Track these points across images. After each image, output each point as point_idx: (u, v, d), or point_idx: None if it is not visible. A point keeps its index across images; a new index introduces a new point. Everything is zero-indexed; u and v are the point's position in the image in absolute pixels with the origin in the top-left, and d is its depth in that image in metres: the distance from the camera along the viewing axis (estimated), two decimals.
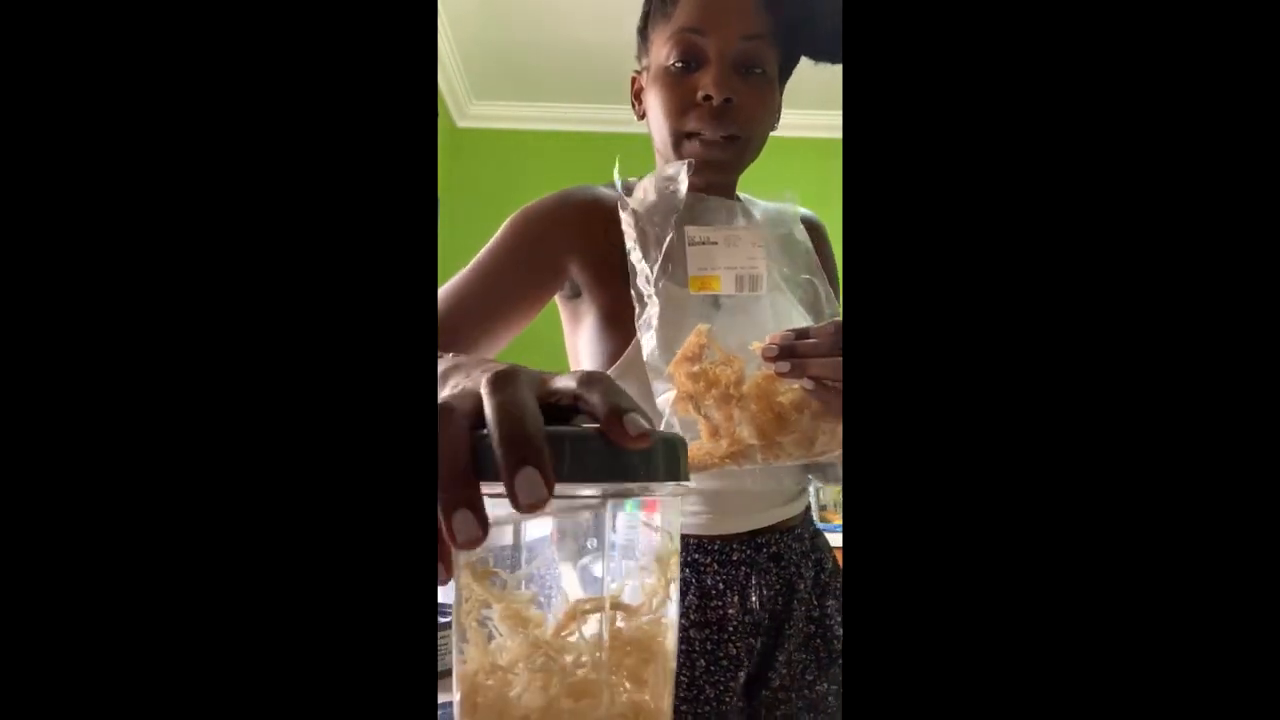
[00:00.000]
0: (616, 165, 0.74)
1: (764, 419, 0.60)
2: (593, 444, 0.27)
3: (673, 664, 0.31)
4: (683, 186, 0.82)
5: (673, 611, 0.31)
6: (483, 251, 0.78)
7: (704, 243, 0.74)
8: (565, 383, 0.30)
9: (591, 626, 0.29)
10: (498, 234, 0.78)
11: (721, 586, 0.77)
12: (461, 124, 3.03)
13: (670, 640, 0.31)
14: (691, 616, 0.77)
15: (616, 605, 0.29)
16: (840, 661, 0.77)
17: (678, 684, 0.75)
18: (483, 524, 0.25)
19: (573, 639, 0.29)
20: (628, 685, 0.29)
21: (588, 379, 0.29)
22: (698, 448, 0.63)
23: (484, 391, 0.28)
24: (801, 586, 0.78)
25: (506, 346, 0.78)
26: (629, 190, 0.77)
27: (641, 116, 0.81)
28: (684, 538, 0.80)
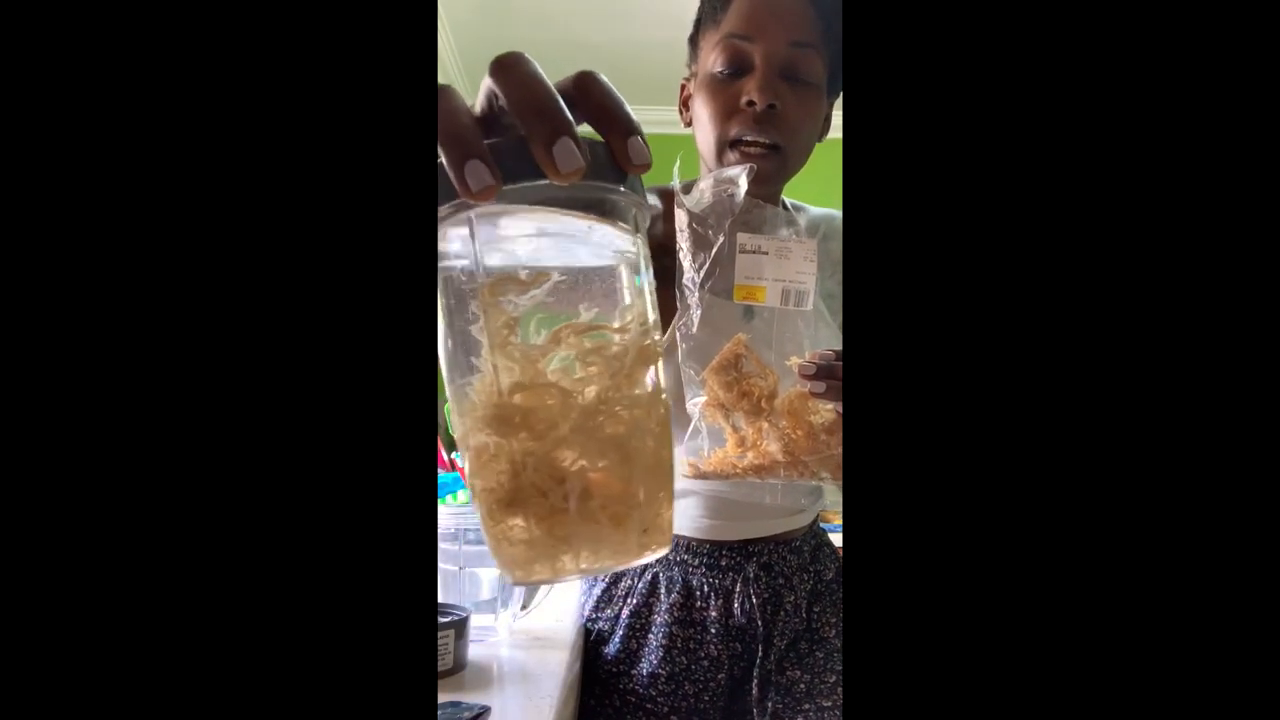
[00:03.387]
0: (677, 165, 0.73)
1: (793, 437, 0.58)
2: (595, 151, 0.27)
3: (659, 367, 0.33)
4: (741, 190, 0.80)
5: (655, 316, 0.32)
6: None
7: (754, 251, 0.71)
8: (564, 82, 0.29)
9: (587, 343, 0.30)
10: None
11: (706, 589, 0.77)
12: None
13: (661, 344, 0.33)
14: (675, 614, 0.77)
15: (595, 326, 0.30)
16: (836, 669, 0.77)
17: (657, 677, 0.77)
18: (494, 173, 0.25)
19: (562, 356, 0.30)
20: (651, 382, 0.30)
21: (589, 80, 0.28)
22: (722, 456, 0.62)
23: (493, 68, 0.27)
24: (790, 598, 0.78)
25: None
26: (687, 190, 0.76)
27: (688, 124, 0.81)
28: (676, 537, 0.80)
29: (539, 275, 0.28)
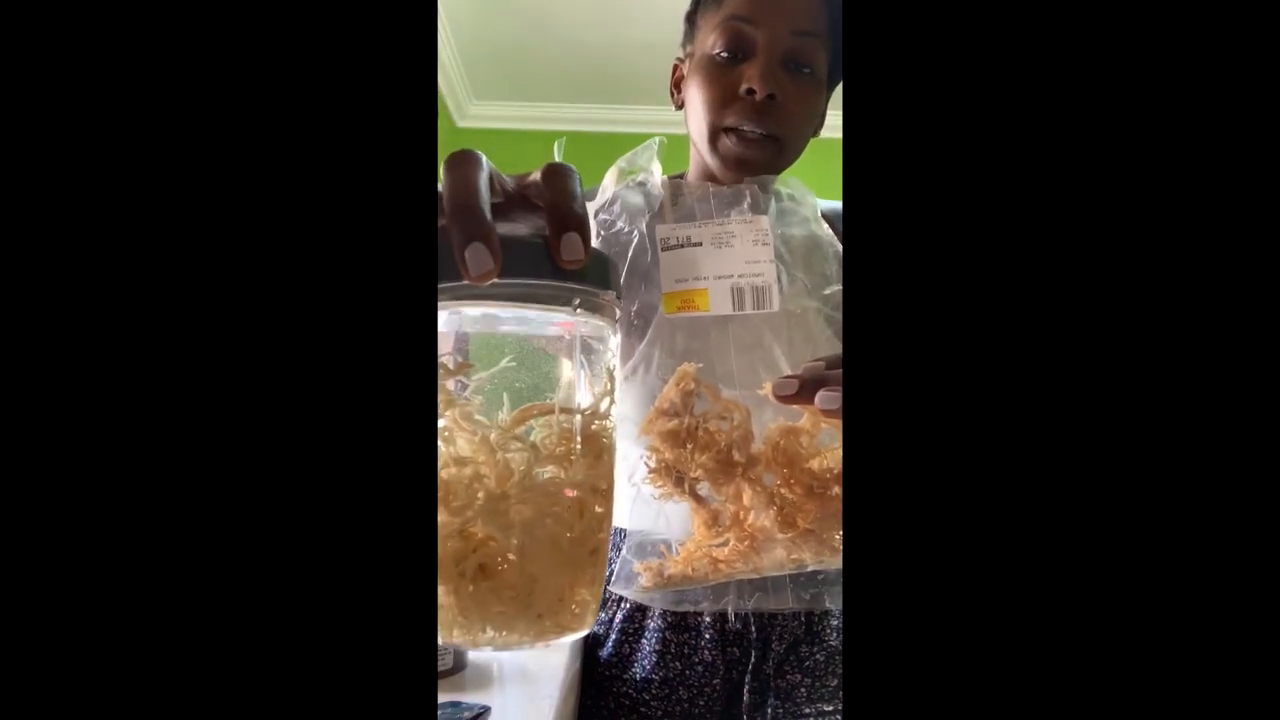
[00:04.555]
0: (557, 151, 0.59)
1: (789, 497, 0.39)
2: (531, 249, 0.29)
3: (614, 456, 0.33)
4: (655, 177, 0.67)
5: (616, 411, 0.33)
6: None
7: (681, 245, 0.55)
8: (534, 176, 0.31)
9: (541, 429, 0.31)
10: None
11: (699, 593, 0.75)
12: (461, 124, 3.03)
13: (613, 436, 0.33)
14: (669, 618, 0.76)
15: (564, 409, 0.32)
16: (838, 671, 0.75)
17: (650, 682, 0.75)
18: (495, 255, 0.27)
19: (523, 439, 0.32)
20: (581, 467, 0.31)
21: (551, 173, 0.30)
22: (692, 549, 0.43)
23: (442, 167, 0.28)
24: (789, 600, 0.75)
25: None
26: (589, 195, 0.65)
27: (679, 106, 0.76)
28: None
29: (461, 365, 0.31)
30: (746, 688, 0.74)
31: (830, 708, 0.74)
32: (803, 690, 0.75)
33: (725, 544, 0.41)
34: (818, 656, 0.76)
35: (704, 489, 0.41)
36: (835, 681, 0.75)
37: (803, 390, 0.37)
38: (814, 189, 0.82)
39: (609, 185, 0.66)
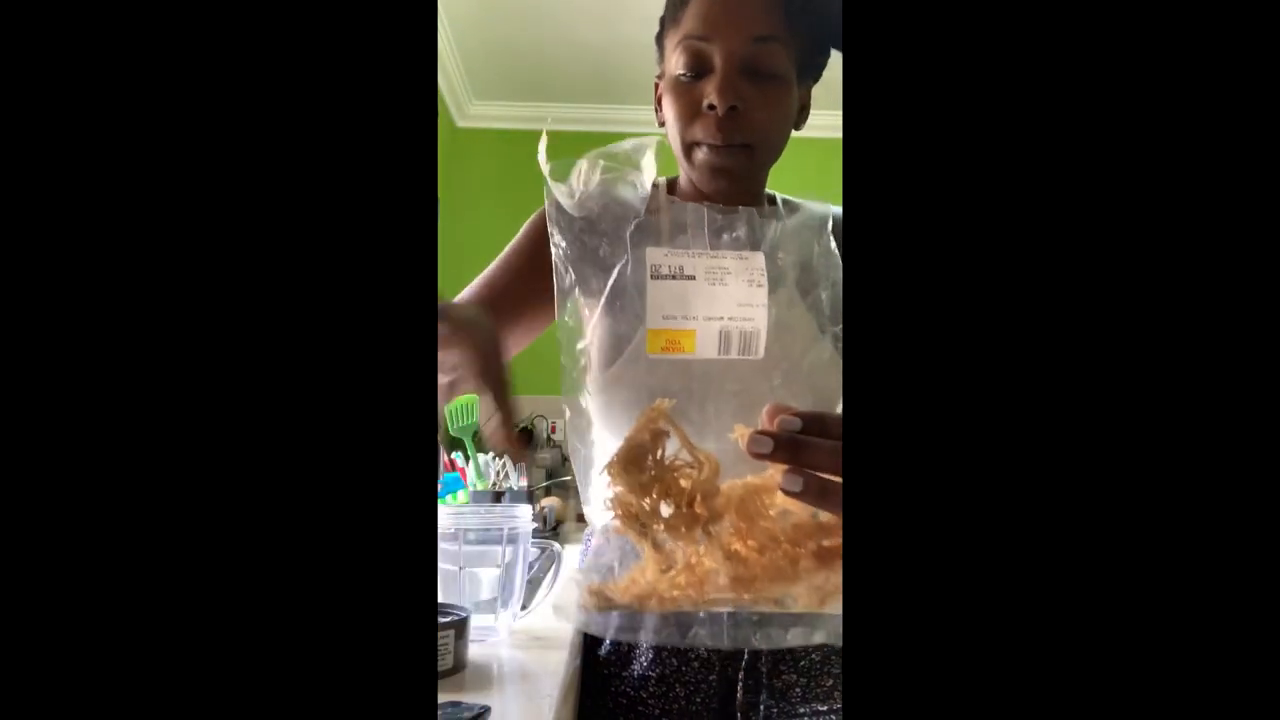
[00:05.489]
0: (542, 145, 0.52)
1: (740, 552, 0.39)
2: None
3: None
4: (647, 177, 0.65)
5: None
6: (504, 252, 0.78)
7: (672, 275, 0.52)
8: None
9: None
10: (519, 234, 0.78)
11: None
12: (461, 124, 3.03)
13: None
14: (664, 614, 0.75)
15: None
16: (834, 671, 0.75)
17: (647, 679, 0.75)
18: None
19: None
20: None
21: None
22: (634, 578, 0.42)
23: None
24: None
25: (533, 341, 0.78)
26: (559, 173, 0.61)
27: (662, 124, 0.79)
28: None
29: None
30: (740, 685, 0.74)
31: (825, 707, 0.74)
32: (798, 690, 0.75)
33: (670, 580, 0.41)
34: (813, 656, 0.76)
35: (661, 538, 0.41)
36: (830, 681, 0.75)
37: (777, 451, 0.36)
38: (814, 189, 0.81)
39: (588, 174, 0.63)
